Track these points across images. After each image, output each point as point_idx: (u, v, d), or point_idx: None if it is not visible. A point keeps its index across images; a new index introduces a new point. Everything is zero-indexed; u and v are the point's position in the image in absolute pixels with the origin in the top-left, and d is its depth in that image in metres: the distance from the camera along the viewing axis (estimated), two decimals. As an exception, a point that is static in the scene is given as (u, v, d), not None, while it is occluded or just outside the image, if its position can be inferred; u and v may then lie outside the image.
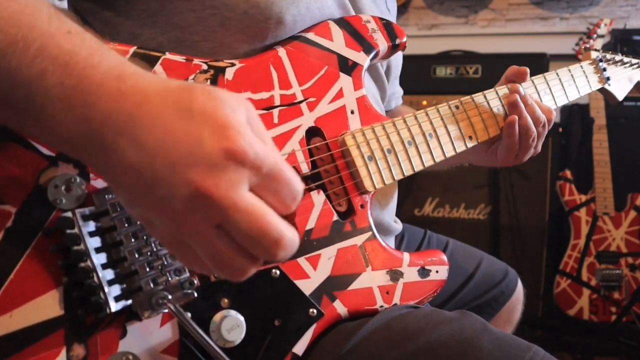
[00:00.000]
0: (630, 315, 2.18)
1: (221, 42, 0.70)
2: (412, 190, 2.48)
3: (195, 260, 0.48)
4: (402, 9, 3.15)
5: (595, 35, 2.26)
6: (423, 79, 2.52)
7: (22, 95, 0.45)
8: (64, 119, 0.45)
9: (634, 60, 1.20)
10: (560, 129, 2.45)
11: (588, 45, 2.24)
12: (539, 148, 0.97)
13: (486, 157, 0.99)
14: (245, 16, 0.69)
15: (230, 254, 0.45)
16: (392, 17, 0.99)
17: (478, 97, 0.90)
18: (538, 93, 0.98)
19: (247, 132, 0.45)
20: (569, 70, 1.06)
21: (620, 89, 1.17)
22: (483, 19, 3.05)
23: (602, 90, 1.15)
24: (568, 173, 2.37)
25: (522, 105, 0.91)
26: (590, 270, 2.29)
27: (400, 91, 1.10)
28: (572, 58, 2.28)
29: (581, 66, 1.10)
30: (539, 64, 2.37)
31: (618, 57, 1.17)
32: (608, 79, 1.13)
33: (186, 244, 0.46)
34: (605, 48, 2.32)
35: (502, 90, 0.94)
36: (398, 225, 0.92)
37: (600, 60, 1.14)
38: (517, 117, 0.90)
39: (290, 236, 0.46)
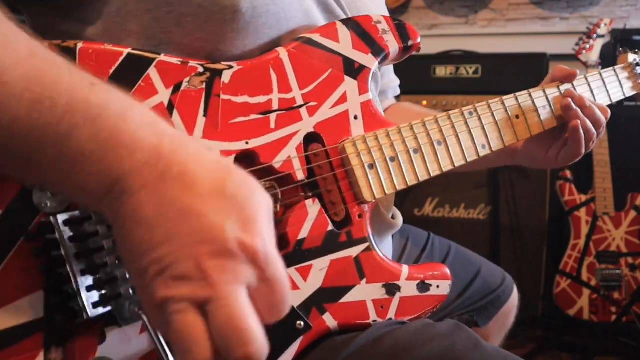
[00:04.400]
0: (630, 315, 2.18)
1: (179, 43, 0.67)
2: (412, 190, 2.48)
3: (159, 325, 0.46)
4: (402, 9, 3.14)
5: (595, 35, 2.26)
6: (423, 79, 2.52)
7: (52, 154, 0.44)
8: (92, 173, 0.45)
9: None
10: (561, 129, 2.44)
11: (588, 46, 2.23)
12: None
13: (542, 163, 0.98)
14: (200, 10, 0.66)
15: (196, 335, 0.43)
16: (375, 1, 0.95)
17: (495, 104, 0.85)
18: None
19: (267, 232, 0.46)
20: (600, 74, 0.99)
21: None
22: (483, 19, 3.04)
23: (638, 96, 1.08)
24: (568, 173, 2.37)
25: (576, 108, 0.90)
26: (590, 270, 2.29)
27: (397, 81, 1.07)
28: (572, 58, 2.28)
29: (614, 70, 1.02)
30: (539, 64, 2.37)
31: None
32: None
33: (163, 310, 0.44)
34: (605, 48, 2.31)
35: (537, 92, 0.91)
36: (396, 221, 0.88)
37: (637, 65, 1.06)
38: (579, 122, 0.89)
39: (261, 349, 0.44)
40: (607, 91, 1.00)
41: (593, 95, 0.97)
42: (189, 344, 0.43)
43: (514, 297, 1.20)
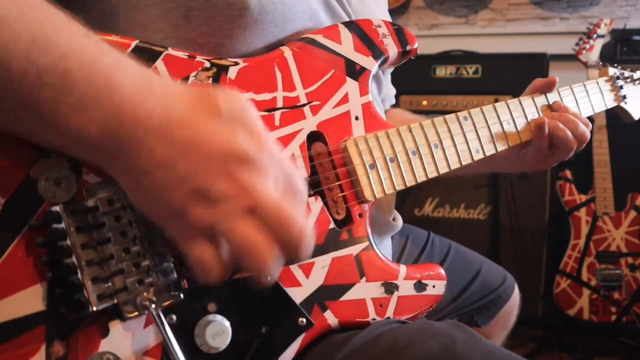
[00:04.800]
0: (630, 315, 2.18)
1: (185, 37, 0.67)
2: (412, 190, 2.48)
3: (210, 256, 0.49)
4: (402, 9, 3.14)
5: (595, 35, 2.26)
6: (423, 79, 2.52)
7: (49, 97, 0.46)
8: (91, 120, 0.47)
9: None
10: (561, 129, 2.45)
11: (588, 46, 2.24)
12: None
13: (517, 163, 0.99)
14: (208, 5, 0.67)
15: (257, 237, 0.48)
16: (380, 6, 0.97)
17: (488, 110, 0.89)
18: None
19: (269, 136, 0.51)
20: (584, 85, 1.04)
21: (637, 108, 1.14)
22: (483, 19, 3.05)
23: (617, 108, 1.12)
24: (568, 173, 2.37)
25: (557, 122, 0.92)
26: (590, 270, 2.29)
27: (393, 91, 1.08)
28: (572, 58, 2.28)
29: (597, 82, 1.07)
30: (539, 64, 2.37)
31: (637, 75, 1.14)
32: (624, 97, 1.11)
33: (208, 237, 0.48)
34: (605, 48, 2.32)
35: (527, 100, 0.94)
36: (397, 223, 0.90)
37: (618, 78, 1.11)
38: (545, 119, 0.91)
39: (307, 227, 0.50)
40: (590, 102, 1.04)
41: (577, 104, 1.01)
42: (254, 248, 0.48)
43: (515, 296, 1.21)
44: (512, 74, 2.33)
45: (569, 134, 0.93)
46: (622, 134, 2.33)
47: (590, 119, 2.43)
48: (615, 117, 2.43)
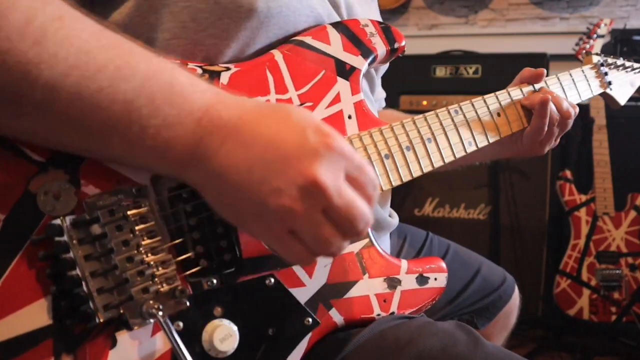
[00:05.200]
0: (630, 315, 2.18)
1: (192, 38, 0.68)
2: (412, 190, 2.48)
3: (299, 249, 0.54)
4: (402, 9, 3.14)
5: (595, 35, 2.25)
6: (423, 79, 2.51)
7: (136, 121, 0.49)
8: (175, 137, 0.50)
9: (636, 65, 1.19)
10: (561, 129, 2.45)
11: (588, 46, 2.24)
12: (558, 140, 1.01)
13: (509, 147, 1.00)
14: (216, 6, 0.67)
15: (333, 235, 0.53)
16: (373, 8, 0.98)
17: (478, 102, 0.90)
18: None
19: (337, 134, 0.54)
20: (570, 74, 1.05)
21: (622, 94, 1.16)
22: (483, 19, 3.04)
23: (604, 95, 1.14)
24: (568, 173, 2.37)
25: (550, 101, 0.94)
26: (590, 270, 2.29)
27: (383, 94, 1.08)
28: (572, 58, 2.28)
29: (582, 70, 1.09)
30: (538, 64, 2.36)
31: (620, 62, 1.17)
32: (610, 83, 1.12)
33: (290, 234, 0.53)
34: (605, 48, 2.31)
35: (515, 91, 0.96)
36: (393, 220, 0.91)
37: (602, 65, 1.13)
38: (550, 97, 0.93)
39: (371, 221, 0.55)
40: (577, 89, 1.06)
41: (564, 92, 1.03)
42: (330, 247, 0.54)
43: (515, 297, 1.21)
44: (512, 74, 2.31)
45: (554, 107, 0.94)
46: (622, 134, 2.33)
47: (591, 119, 2.44)
48: (616, 117, 2.42)
